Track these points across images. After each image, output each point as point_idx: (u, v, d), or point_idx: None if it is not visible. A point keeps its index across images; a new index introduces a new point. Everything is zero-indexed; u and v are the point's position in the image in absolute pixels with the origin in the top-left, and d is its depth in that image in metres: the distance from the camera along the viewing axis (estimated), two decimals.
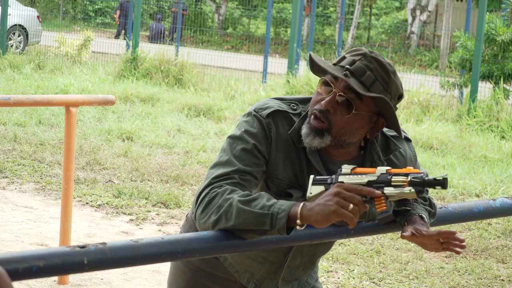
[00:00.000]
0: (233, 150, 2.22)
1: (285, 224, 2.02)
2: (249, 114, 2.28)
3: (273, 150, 2.25)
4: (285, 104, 2.31)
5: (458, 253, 2.24)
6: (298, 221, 2.01)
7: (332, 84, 2.21)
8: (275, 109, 2.27)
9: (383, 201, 2.08)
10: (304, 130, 2.23)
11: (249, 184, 2.19)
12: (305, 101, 2.34)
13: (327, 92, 2.22)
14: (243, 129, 2.25)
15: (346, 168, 2.12)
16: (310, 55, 2.26)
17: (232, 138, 2.25)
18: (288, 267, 2.46)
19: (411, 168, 2.11)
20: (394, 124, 2.25)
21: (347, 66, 2.20)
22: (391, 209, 2.09)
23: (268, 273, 2.47)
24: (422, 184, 2.08)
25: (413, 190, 2.08)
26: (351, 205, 1.99)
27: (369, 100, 2.21)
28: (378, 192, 2.05)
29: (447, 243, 2.24)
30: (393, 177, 2.09)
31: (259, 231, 2.07)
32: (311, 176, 2.13)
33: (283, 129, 2.26)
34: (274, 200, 2.07)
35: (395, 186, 2.09)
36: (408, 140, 2.41)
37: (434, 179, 2.07)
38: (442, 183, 2.07)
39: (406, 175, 2.09)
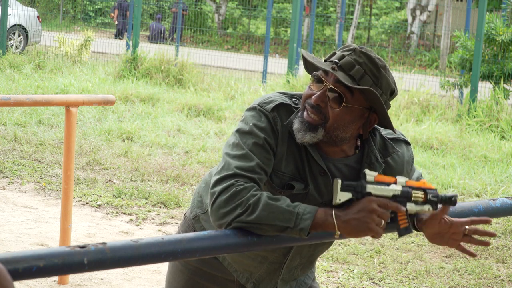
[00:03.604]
0: (245, 144, 2.22)
1: (309, 225, 2.09)
2: (253, 108, 2.27)
3: (279, 143, 2.25)
4: (288, 98, 2.32)
5: (473, 256, 2.28)
6: (337, 232, 2.11)
7: (323, 79, 2.22)
8: (279, 103, 2.27)
9: (405, 216, 2.19)
10: (296, 125, 2.23)
11: (262, 183, 2.22)
12: None
13: (319, 87, 2.23)
14: (251, 123, 2.24)
15: (369, 175, 2.18)
16: (302, 54, 2.29)
17: (241, 133, 2.24)
18: (287, 267, 2.46)
19: (425, 181, 2.23)
20: (385, 119, 2.26)
21: (335, 60, 2.22)
22: (410, 225, 2.22)
23: (267, 273, 2.48)
24: (438, 202, 2.22)
25: (431, 208, 2.22)
26: (383, 222, 2.11)
27: (359, 95, 2.21)
28: (403, 208, 2.17)
29: (469, 237, 2.25)
30: (413, 191, 2.20)
31: (280, 228, 2.10)
32: (338, 181, 2.15)
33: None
34: (297, 203, 2.14)
35: (415, 202, 2.20)
36: (407, 143, 2.41)
37: (448, 197, 2.23)
38: (454, 201, 2.23)
39: (424, 190, 2.21)
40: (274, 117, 2.25)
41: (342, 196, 2.15)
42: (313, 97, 2.22)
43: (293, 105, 2.29)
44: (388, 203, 2.13)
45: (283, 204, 2.11)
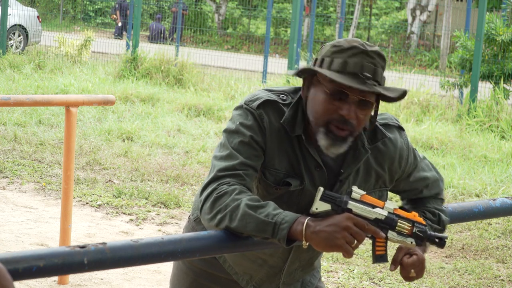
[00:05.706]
0: (231, 143, 2.24)
1: (286, 235, 2.05)
2: (240, 107, 2.29)
3: (268, 139, 2.25)
4: (275, 94, 2.30)
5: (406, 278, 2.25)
6: (304, 242, 2.05)
7: (349, 94, 2.16)
8: (265, 99, 2.27)
9: (383, 244, 2.12)
10: (324, 141, 2.18)
11: (250, 178, 2.21)
12: (295, 91, 2.33)
13: (343, 101, 2.16)
14: (237, 122, 2.26)
15: (356, 192, 2.09)
16: (331, 77, 2.14)
17: (228, 132, 2.27)
18: (287, 271, 2.47)
19: (416, 214, 2.13)
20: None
21: (366, 74, 2.14)
22: (386, 254, 2.13)
23: (267, 276, 2.48)
24: (424, 239, 2.12)
25: (414, 242, 2.11)
26: (356, 241, 2.04)
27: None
28: (382, 234, 2.09)
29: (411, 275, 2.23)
30: (399, 221, 2.10)
31: (260, 237, 2.10)
32: (321, 189, 2.10)
33: (274, 118, 2.26)
34: (280, 210, 2.10)
35: (398, 232, 2.10)
36: (400, 128, 2.38)
37: (436, 237, 2.11)
38: (442, 244, 2.12)
39: (412, 223, 2.10)
40: (260, 114, 2.25)
41: (320, 206, 2.08)
42: (346, 113, 2.15)
43: (280, 101, 2.28)
44: (366, 225, 2.05)
45: (263, 213, 2.08)
